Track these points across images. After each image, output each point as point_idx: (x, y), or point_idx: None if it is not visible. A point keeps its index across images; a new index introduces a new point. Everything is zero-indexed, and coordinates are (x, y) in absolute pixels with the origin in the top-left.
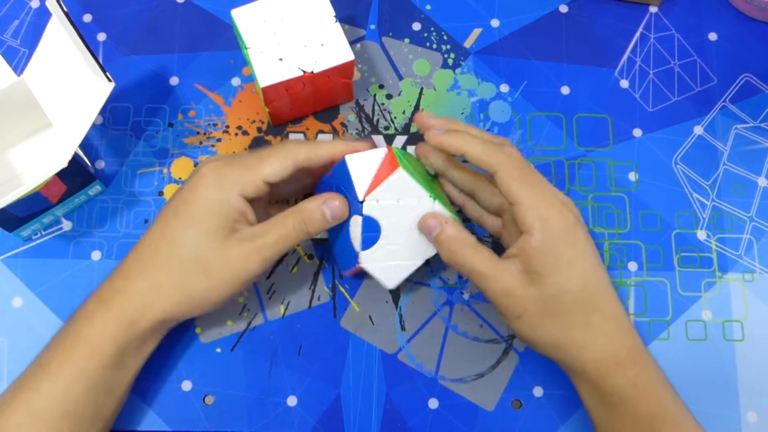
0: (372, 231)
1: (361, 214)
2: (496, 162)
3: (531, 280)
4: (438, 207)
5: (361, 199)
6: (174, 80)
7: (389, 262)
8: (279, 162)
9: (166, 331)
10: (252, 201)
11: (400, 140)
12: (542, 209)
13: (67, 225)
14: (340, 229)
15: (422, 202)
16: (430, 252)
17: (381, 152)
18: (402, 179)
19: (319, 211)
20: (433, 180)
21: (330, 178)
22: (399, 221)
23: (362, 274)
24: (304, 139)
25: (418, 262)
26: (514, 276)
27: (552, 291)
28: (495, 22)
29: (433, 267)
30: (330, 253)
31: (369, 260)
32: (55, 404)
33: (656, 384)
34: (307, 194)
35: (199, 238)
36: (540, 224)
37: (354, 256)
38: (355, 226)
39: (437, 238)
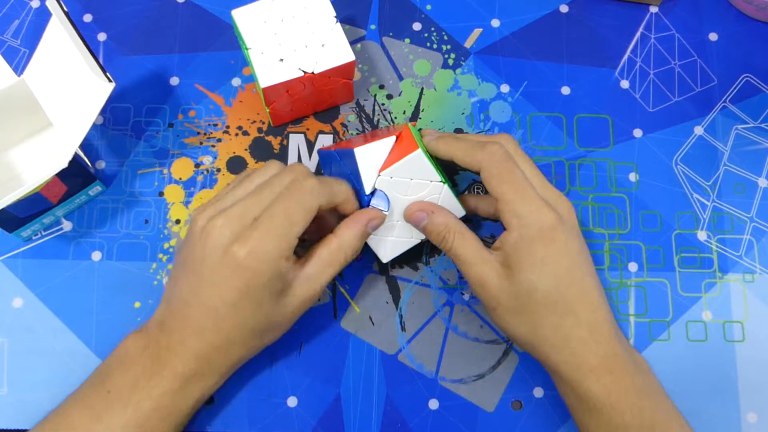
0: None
1: (371, 195)
2: (478, 161)
3: (506, 275)
4: (446, 191)
5: (368, 192)
6: (174, 80)
7: (389, 237)
8: (307, 216)
9: None
10: None
11: None
12: (520, 207)
13: (67, 225)
14: None
15: (432, 184)
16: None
17: (388, 142)
18: (419, 160)
19: (363, 235)
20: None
21: (337, 159)
22: (406, 200)
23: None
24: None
25: (415, 241)
26: (492, 267)
27: (523, 287)
28: (495, 22)
29: (433, 268)
30: None
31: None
32: None
33: (632, 393)
34: None
35: (267, 313)
36: (516, 221)
37: None
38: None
39: (426, 228)
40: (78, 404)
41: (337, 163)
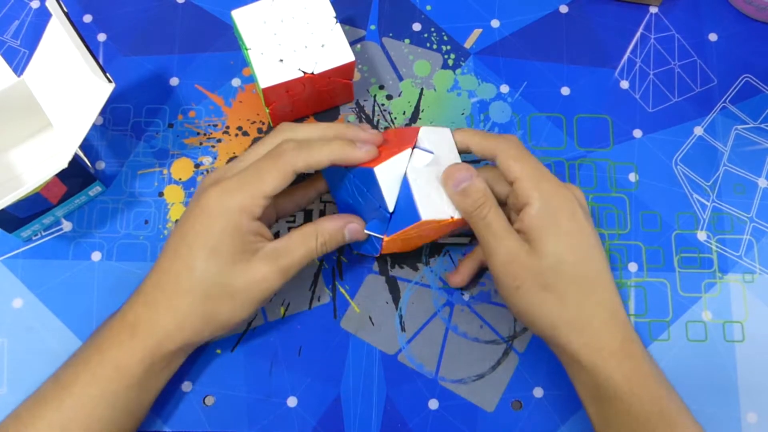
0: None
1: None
2: (494, 146)
3: (532, 251)
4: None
5: (391, 209)
6: (174, 81)
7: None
8: (277, 177)
9: (191, 351)
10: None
11: None
12: (541, 182)
13: (67, 226)
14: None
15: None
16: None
17: (405, 155)
18: (445, 133)
19: (341, 233)
20: None
21: (351, 178)
22: (430, 178)
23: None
24: (303, 133)
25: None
26: (519, 244)
27: (550, 261)
28: (495, 23)
29: (433, 268)
30: (330, 254)
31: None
32: (79, 425)
33: (651, 380)
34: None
35: (220, 266)
36: (538, 194)
37: (369, 248)
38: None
39: (467, 189)
40: (52, 384)
41: (350, 181)
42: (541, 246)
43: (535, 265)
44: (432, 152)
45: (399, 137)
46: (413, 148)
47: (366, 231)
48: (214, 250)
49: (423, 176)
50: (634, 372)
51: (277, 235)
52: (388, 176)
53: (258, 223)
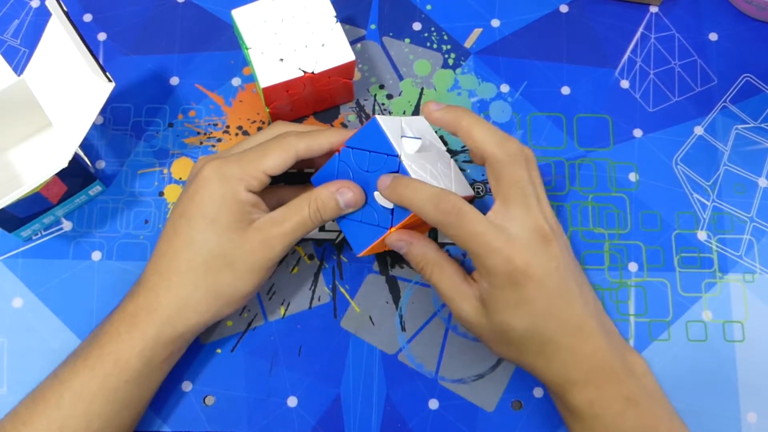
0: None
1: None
2: (432, 221)
3: (484, 312)
4: (453, 163)
5: (400, 152)
6: (174, 80)
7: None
8: (280, 156)
9: (192, 338)
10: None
11: None
12: (485, 259)
13: (67, 225)
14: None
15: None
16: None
17: (397, 118)
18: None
19: (333, 199)
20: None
21: (348, 150)
22: (423, 163)
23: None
24: (301, 128)
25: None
26: (471, 304)
27: (499, 327)
28: (495, 22)
29: None
30: (330, 254)
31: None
32: (79, 421)
33: (616, 402)
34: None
35: (218, 234)
36: (484, 272)
37: (376, 228)
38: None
39: (406, 256)
40: (51, 380)
41: (347, 161)
42: (491, 314)
43: (488, 326)
44: (419, 138)
45: None
46: (402, 137)
47: (376, 190)
48: (213, 220)
49: (416, 162)
50: (597, 397)
51: None
52: (388, 125)
53: (255, 196)
